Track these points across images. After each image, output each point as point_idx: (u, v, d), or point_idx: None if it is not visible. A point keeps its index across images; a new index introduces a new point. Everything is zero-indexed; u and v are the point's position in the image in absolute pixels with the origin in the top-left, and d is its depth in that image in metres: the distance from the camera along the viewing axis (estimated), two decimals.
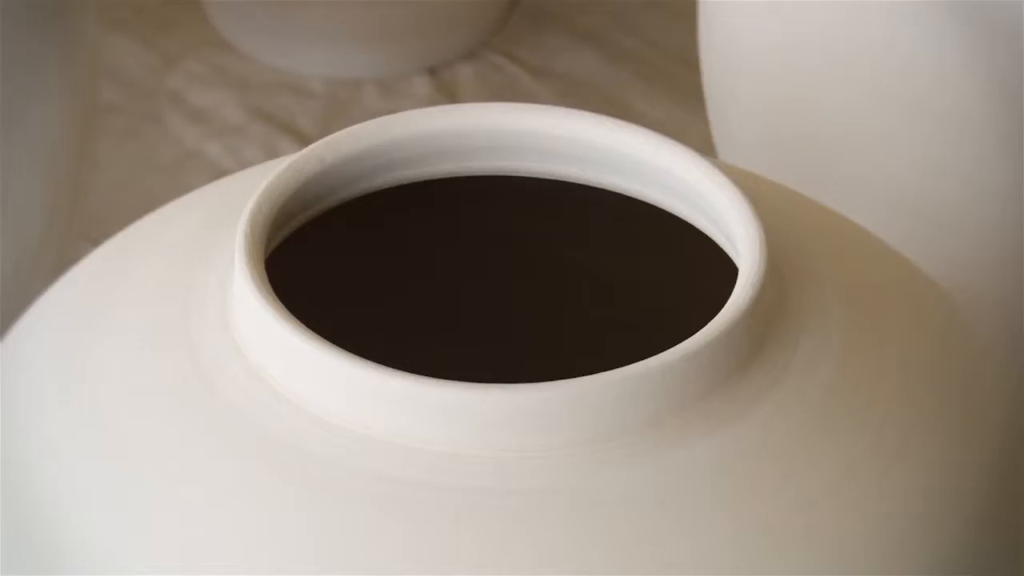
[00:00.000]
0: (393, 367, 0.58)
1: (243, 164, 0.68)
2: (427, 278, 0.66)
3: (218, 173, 0.70)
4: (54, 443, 0.63)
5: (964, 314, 0.66)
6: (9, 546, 0.61)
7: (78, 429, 0.62)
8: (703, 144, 0.63)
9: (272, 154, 0.65)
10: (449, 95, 0.95)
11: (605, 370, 0.58)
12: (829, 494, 0.60)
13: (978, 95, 0.76)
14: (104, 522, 0.60)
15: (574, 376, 0.58)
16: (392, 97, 0.95)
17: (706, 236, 0.64)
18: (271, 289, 0.59)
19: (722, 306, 0.59)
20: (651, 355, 0.58)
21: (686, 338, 0.59)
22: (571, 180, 0.65)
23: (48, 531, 0.60)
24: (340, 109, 0.93)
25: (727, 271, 0.62)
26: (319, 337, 0.58)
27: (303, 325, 0.58)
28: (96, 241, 0.64)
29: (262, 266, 0.60)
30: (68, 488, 0.62)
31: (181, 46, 0.97)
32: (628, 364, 0.58)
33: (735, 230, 0.62)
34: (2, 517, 0.62)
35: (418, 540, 0.58)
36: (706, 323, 0.59)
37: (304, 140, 0.67)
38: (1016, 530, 0.63)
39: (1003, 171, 0.75)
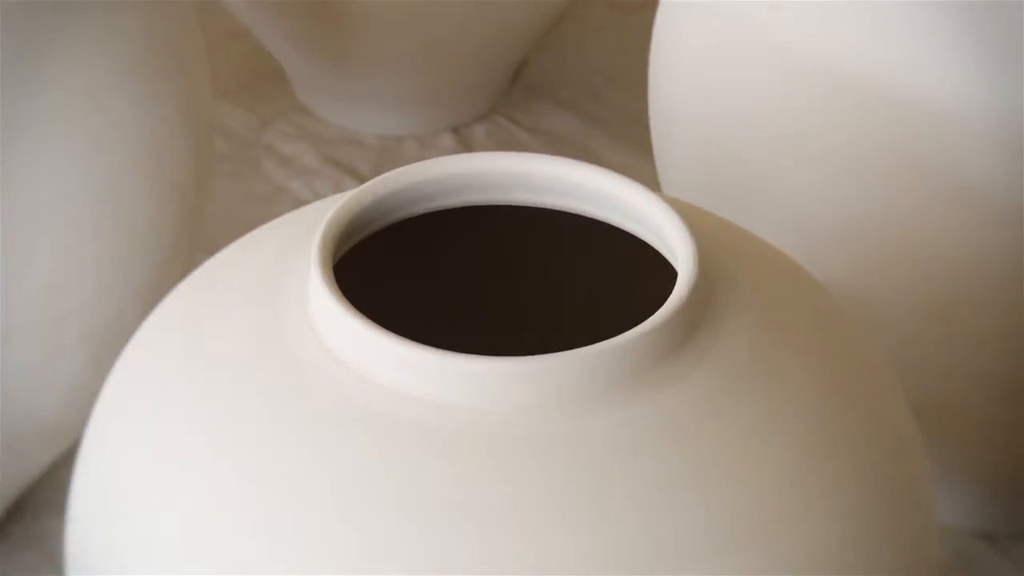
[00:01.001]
0: (427, 345, 0.58)
1: (317, 197, 0.67)
2: (451, 278, 0.67)
3: (299, 203, 0.69)
4: (181, 392, 0.63)
5: (848, 314, 0.66)
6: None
7: (200, 385, 0.62)
8: (651, 182, 0.63)
9: (339, 189, 0.64)
10: (467, 147, 0.95)
11: (580, 348, 0.58)
12: (742, 433, 0.60)
13: (871, 156, 0.74)
14: (226, 443, 0.60)
15: (559, 352, 0.58)
16: (426, 149, 0.95)
17: (654, 249, 0.64)
18: (337, 287, 0.60)
19: (665, 301, 0.59)
20: (615, 336, 0.58)
21: (639, 324, 0.59)
22: (554, 208, 0.65)
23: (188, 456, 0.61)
24: (388, 157, 0.93)
25: (669, 276, 0.61)
26: (372, 322, 0.59)
27: (361, 313, 0.59)
28: (210, 252, 0.66)
29: (331, 270, 0.60)
30: (189, 423, 0.62)
31: (273, 111, 0.97)
32: (598, 343, 0.58)
33: (675, 245, 0.62)
34: (153, 450, 0.61)
35: (450, 466, 0.58)
36: (654, 313, 0.59)
37: (362, 179, 0.67)
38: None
39: (882, 205, 0.73)
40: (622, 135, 0.88)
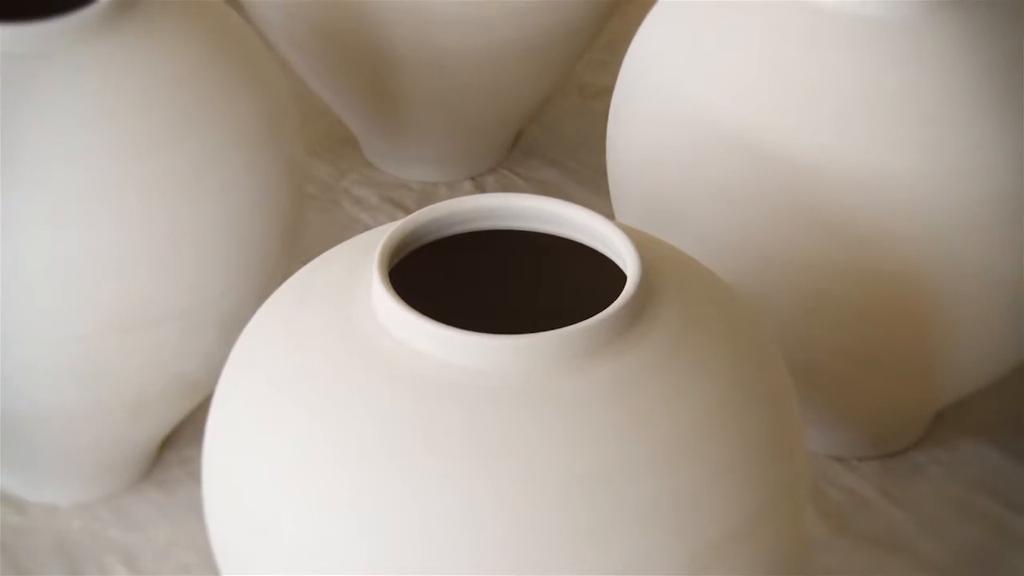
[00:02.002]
0: (452, 327, 0.59)
1: (378, 224, 0.67)
2: (468, 279, 0.66)
3: (366, 229, 0.69)
4: (281, 359, 0.63)
5: (746, 306, 0.65)
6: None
7: (295, 354, 0.62)
8: (608, 214, 0.63)
9: (393, 219, 0.65)
10: (481, 190, 0.95)
11: (557, 329, 0.58)
12: (670, 389, 0.60)
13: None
14: (312, 392, 0.61)
15: (542, 332, 0.58)
16: (452, 191, 0.95)
17: (612, 261, 0.63)
18: (391, 285, 0.60)
19: (617, 298, 0.60)
20: (581, 322, 0.59)
21: (599, 314, 0.59)
22: (542, 232, 0.65)
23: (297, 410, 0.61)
24: (426, 197, 0.93)
25: (621, 280, 0.61)
26: (415, 310, 0.59)
27: (407, 304, 0.59)
28: (304, 262, 0.67)
29: (387, 274, 0.61)
30: (287, 379, 0.62)
31: (348, 165, 0.96)
32: (569, 326, 0.59)
33: (625, 257, 0.62)
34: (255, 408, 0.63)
35: (466, 407, 0.58)
36: (609, 306, 0.59)
37: (408, 212, 0.67)
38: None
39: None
40: (588, 182, 0.88)
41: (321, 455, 0.59)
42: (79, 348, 0.72)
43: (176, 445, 0.82)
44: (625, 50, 0.80)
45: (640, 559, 0.57)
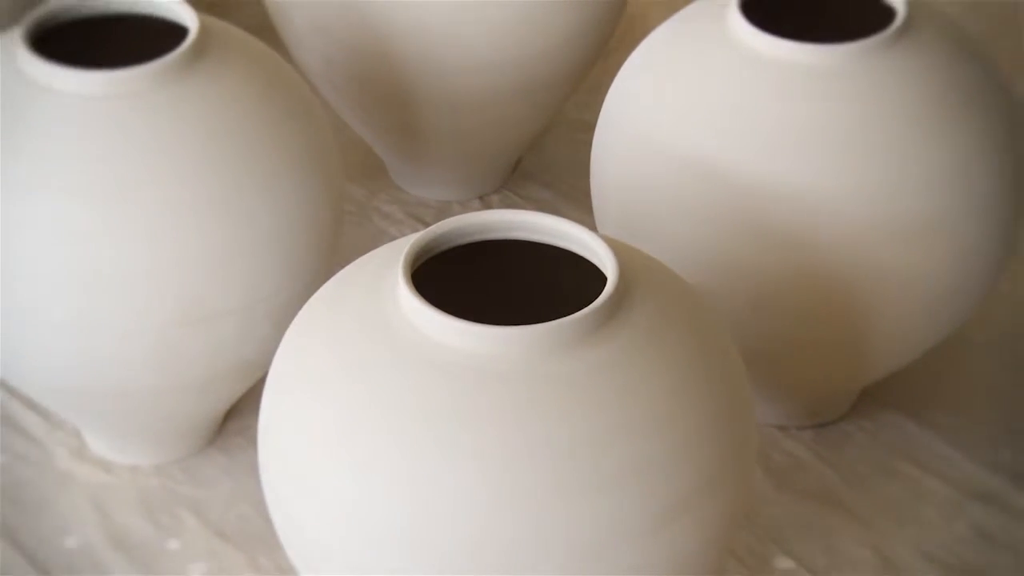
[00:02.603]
0: (464, 319, 0.58)
1: (402, 235, 0.67)
2: (477, 280, 0.65)
3: (392, 239, 0.69)
4: (323, 346, 0.63)
5: (706, 305, 0.65)
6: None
7: (334, 341, 0.62)
8: (591, 227, 0.63)
9: (415, 231, 0.65)
10: (487, 207, 0.94)
11: (549, 321, 0.58)
12: (642, 372, 0.59)
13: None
14: (346, 373, 0.61)
15: (537, 324, 0.58)
16: (464, 208, 0.94)
17: (594, 266, 0.63)
18: (413, 285, 0.60)
19: (598, 297, 0.59)
20: (569, 316, 0.58)
21: (583, 309, 0.59)
22: (536, 241, 0.65)
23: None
24: (442, 213, 0.92)
25: (602, 282, 0.61)
26: (433, 306, 0.59)
27: (426, 301, 0.59)
28: (343, 265, 0.66)
29: (410, 276, 0.61)
30: (328, 362, 0.62)
31: (378, 187, 0.96)
32: (559, 319, 0.58)
33: (605, 263, 0.61)
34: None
35: (474, 385, 0.58)
36: (592, 303, 0.59)
37: (427, 226, 0.67)
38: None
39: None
40: (575, 200, 0.88)
41: (355, 424, 0.59)
42: (157, 338, 0.72)
43: (237, 416, 0.82)
44: (605, 93, 0.80)
45: (619, 510, 0.58)
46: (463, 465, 0.57)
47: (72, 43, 0.73)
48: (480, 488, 0.57)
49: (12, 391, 0.82)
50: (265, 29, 0.86)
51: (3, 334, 0.72)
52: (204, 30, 0.72)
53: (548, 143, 0.95)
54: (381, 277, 0.62)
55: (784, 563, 0.75)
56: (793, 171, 0.72)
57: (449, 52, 0.84)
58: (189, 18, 0.73)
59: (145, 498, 0.78)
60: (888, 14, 0.75)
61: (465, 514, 0.57)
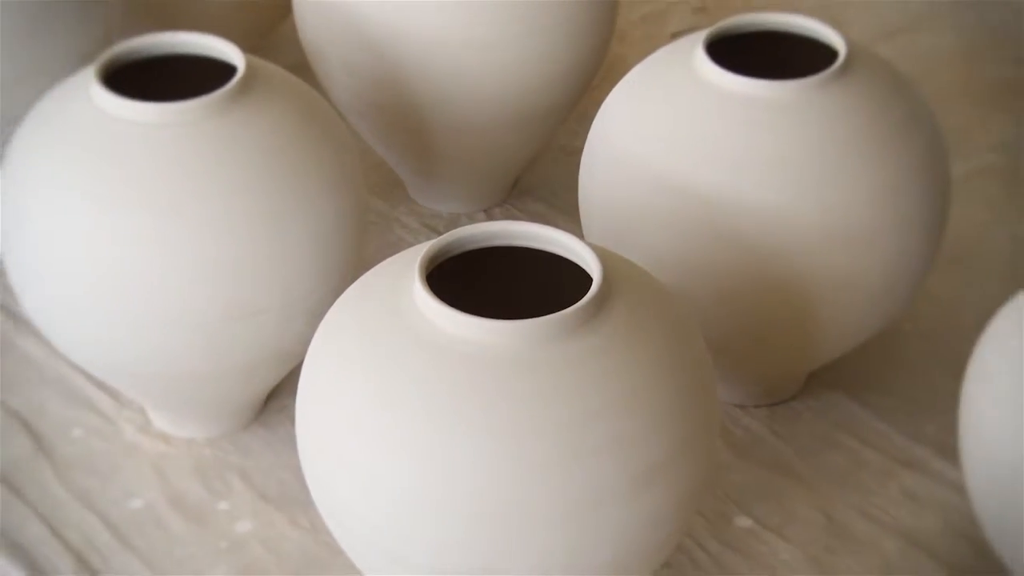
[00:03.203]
0: (470, 314, 0.58)
1: (418, 242, 0.67)
2: (483, 281, 0.64)
3: (410, 245, 0.69)
4: (350, 338, 0.62)
5: (677, 301, 0.65)
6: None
7: (360, 333, 0.62)
8: (579, 235, 0.63)
9: (429, 239, 0.65)
10: (491, 218, 0.93)
11: (545, 315, 0.58)
12: (624, 359, 0.59)
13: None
14: (368, 360, 0.60)
15: (533, 317, 0.58)
16: (471, 219, 0.93)
17: (583, 268, 0.62)
18: (427, 285, 0.60)
19: (586, 294, 0.59)
20: (561, 311, 0.58)
21: (572, 306, 0.59)
22: (533, 247, 0.64)
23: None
24: (452, 223, 0.92)
25: (589, 282, 0.61)
26: (444, 302, 0.59)
27: (438, 298, 0.59)
28: (368, 268, 0.65)
29: (425, 277, 0.60)
30: (353, 350, 0.62)
31: (397, 201, 0.95)
32: (553, 313, 0.58)
33: (591, 266, 0.61)
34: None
35: (480, 370, 0.58)
36: (580, 300, 0.59)
37: (440, 234, 0.67)
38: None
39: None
40: (566, 213, 0.87)
41: (378, 403, 0.59)
42: (208, 331, 0.72)
43: (277, 397, 0.81)
44: (591, 123, 0.80)
45: (604, 475, 0.58)
46: (471, 436, 0.57)
47: (137, 79, 0.73)
48: (486, 456, 0.57)
49: (88, 376, 0.82)
50: (302, 67, 0.86)
51: (83, 328, 0.72)
52: (250, 68, 0.73)
53: (542, 164, 0.95)
54: (400, 278, 0.62)
55: (743, 522, 0.75)
56: (751, 189, 0.72)
57: (458, 87, 0.84)
58: (237, 58, 0.74)
59: (199, 466, 0.78)
60: (831, 55, 0.75)
61: (473, 477, 0.57)
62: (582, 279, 0.62)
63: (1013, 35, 1.00)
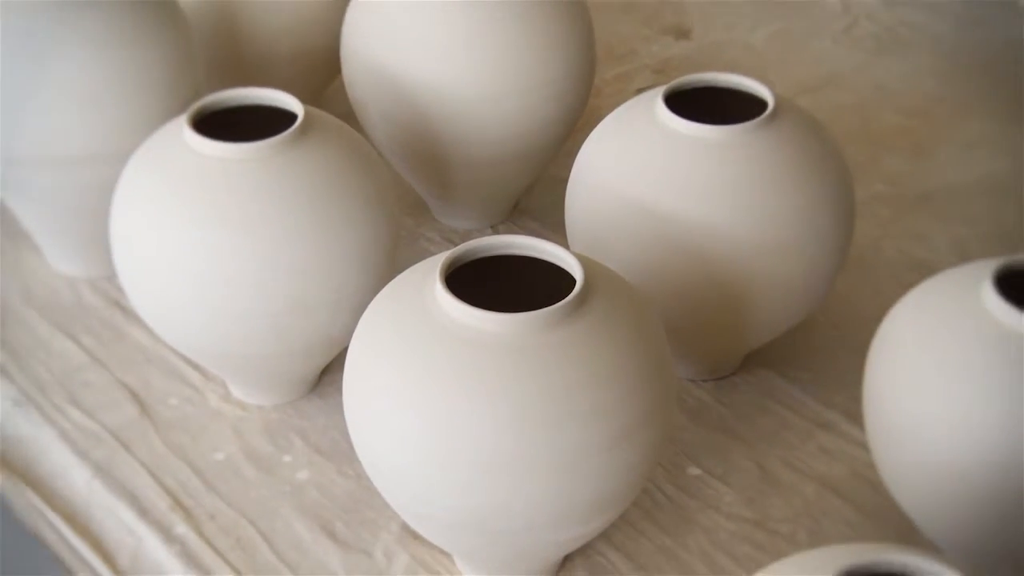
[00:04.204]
0: (479, 308, 0.57)
1: (440, 251, 0.66)
2: (489, 282, 0.63)
3: (432, 254, 0.68)
4: (384, 327, 0.61)
5: (644, 298, 0.64)
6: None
7: (391, 324, 0.61)
8: (566, 246, 0.62)
9: (447, 249, 0.64)
10: (496, 232, 0.93)
11: (538, 309, 0.57)
12: (600, 344, 0.58)
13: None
14: (398, 345, 0.59)
15: (529, 311, 0.57)
16: (480, 233, 0.92)
17: (568, 272, 0.61)
18: (446, 285, 0.59)
19: (570, 293, 0.58)
20: (551, 306, 0.57)
21: (559, 302, 0.58)
22: (529, 255, 0.63)
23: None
24: (466, 237, 0.90)
25: (573, 283, 0.60)
26: (458, 299, 0.58)
27: (454, 295, 0.58)
28: (399, 272, 0.63)
29: (444, 279, 0.60)
30: (387, 335, 0.61)
31: (423, 219, 0.94)
32: (545, 308, 0.57)
33: (575, 270, 0.60)
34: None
35: (485, 353, 0.57)
36: (566, 297, 0.58)
37: (455, 245, 0.66)
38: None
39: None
40: (555, 228, 0.86)
41: (406, 378, 0.59)
42: (273, 322, 0.72)
43: (329, 372, 0.80)
44: (575, 158, 0.79)
45: (586, 435, 0.58)
46: (479, 404, 0.57)
47: (219, 124, 0.73)
48: (492, 419, 0.57)
49: (182, 357, 0.82)
50: (349, 116, 0.86)
51: (179, 319, 0.72)
52: (308, 116, 0.72)
53: (536, 191, 0.94)
54: (425, 280, 0.62)
55: (694, 471, 0.75)
56: (700, 210, 0.71)
57: (470, 132, 0.83)
58: (297, 108, 0.73)
59: (267, 427, 0.78)
60: (762, 105, 0.75)
61: (481, 436, 0.57)
62: (568, 280, 0.62)
63: (898, 93, 1.00)
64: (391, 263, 0.75)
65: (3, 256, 0.88)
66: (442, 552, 0.66)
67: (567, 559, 0.65)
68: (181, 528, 0.70)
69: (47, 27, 0.73)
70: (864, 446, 0.68)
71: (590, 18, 0.85)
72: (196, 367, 0.81)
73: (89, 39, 0.75)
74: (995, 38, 1.01)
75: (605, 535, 0.66)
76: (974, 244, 0.87)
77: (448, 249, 0.62)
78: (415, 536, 0.66)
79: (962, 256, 0.84)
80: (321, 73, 0.96)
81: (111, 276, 0.83)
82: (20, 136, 0.75)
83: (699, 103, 0.75)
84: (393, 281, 0.64)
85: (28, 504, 0.68)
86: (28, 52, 0.73)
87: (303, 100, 0.74)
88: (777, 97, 0.74)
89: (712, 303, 0.74)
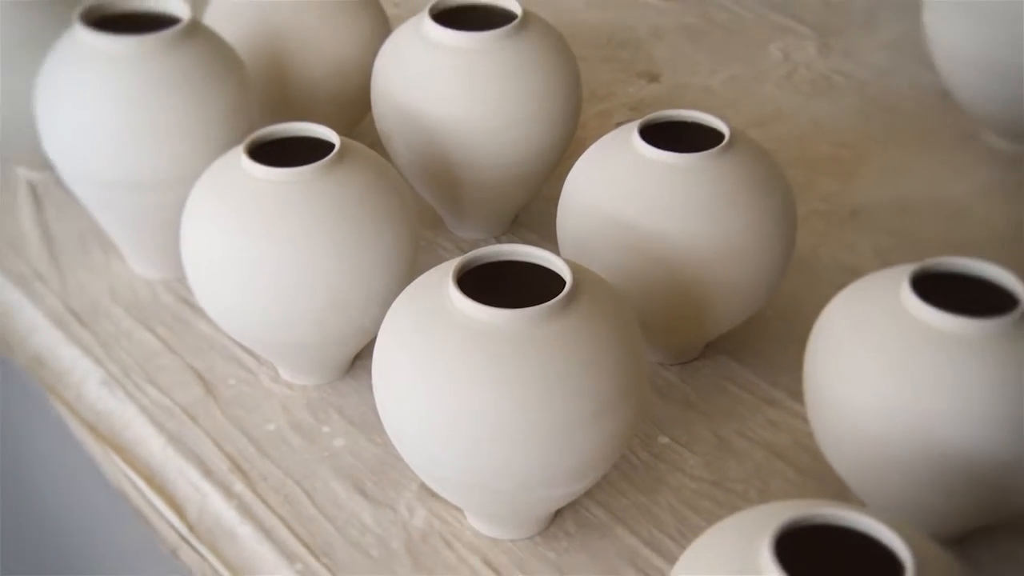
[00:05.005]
0: (484, 304, 0.56)
1: (453, 257, 0.64)
2: (494, 283, 0.62)
3: (445, 260, 0.66)
4: (405, 319, 0.60)
5: (623, 296, 0.62)
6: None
7: (412, 319, 0.61)
8: (557, 253, 0.61)
9: (458, 256, 0.63)
10: (498, 242, 0.92)
11: (534, 305, 0.57)
12: (586, 335, 0.58)
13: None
14: (416, 335, 0.59)
15: (529, 307, 0.56)
16: (487, 242, 0.91)
17: (559, 275, 0.61)
18: (457, 285, 0.59)
19: (561, 291, 0.58)
20: (545, 303, 0.56)
21: (551, 300, 0.58)
22: (526, 261, 0.61)
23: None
24: (474, 245, 0.90)
25: (563, 284, 0.58)
26: (470, 298, 0.58)
27: (464, 294, 0.57)
28: (417, 275, 0.62)
29: (456, 281, 0.57)
30: (408, 328, 0.60)
31: (438, 231, 0.92)
32: (539, 304, 0.56)
33: (565, 273, 0.60)
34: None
35: (488, 341, 0.57)
36: (557, 296, 0.57)
37: (465, 252, 0.66)
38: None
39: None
40: (548, 238, 0.85)
41: (423, 363, 0.59)
42: (315, 317, 0.72)
43: (360, 358, 0.80)
44: (564, 180, 0.79)
45: (573, 408, 0.57)
46: (483, 384, 0.57)
47: (270, 153, 0.72)
48: (493, 397, 0.57)
49: (239, 345, 0.81)
50: (377, 145, 0.85)
51: (237, 313, 0.71)
52: (343, 145, 0.73)
53: (533, 207, 0.93)
54: (440, 281, 0.61)
55: (663, 440, 0.74)
56: (668, 224, 0.71)
57: (478, 158, 0.82)
58: (335, 138, 0.73)
59: (310, 403, 0.78)
60: (720, 136, 0.75)
61: (484, 411, 0.57)
62: (559, 282, 0.61)
63: (830, 128, 0.99)
64: (412, 267, 0.75)
65: (95, 263, 0.87)
66: (455, 507, 0.65)
67: (558, 513, 0.65)
68: (239, 487, 0.69)
69: (135, 74, 0.75)
70: (804, 419, 0.67)
71: (577, 66, 0.86)
72: (251, 353, 0.81)
73: (168, 84, 0.76)
74: (905, 84, 1.03)
75: (590, 493, 0.66)
76: (893, 252, 0.87)
77: (459, 256, 0.61)
78: (432, 494, 0.66)
79: (883, 262, 0.83)
80: (354, 110, 0.96)
81: (181, 278, 0.83)
82: (111, 165, 0.76)
83: (667, 135, 0.75)
84: (414, 282, 0.63)
85: (114, 467, 0.69)
86: (120, 96, 0.75)
87: (340, 132, 0.74)
88: (732, 130, 0.74)
89: (678, 300, 0.73)
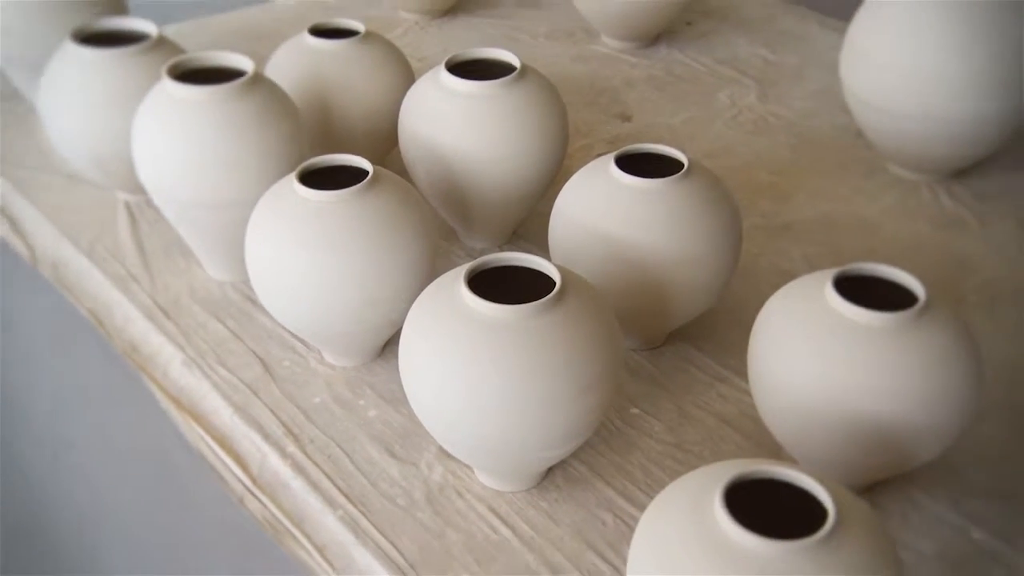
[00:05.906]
0: (489, 301, 0.55)
1: (464, 263, 0.63)
2: (497, 284, 0.61)
3: (459, 265, 0.66)
4: (425, 315, 0.59)
5: (604, 295, 0.61)
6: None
7: (429, 316, 0.62)
8: (549, 260, 0.60)
9: (468, 261, 0.62)
10: (501, 251, 0.90)
11: (531, 303, 0.56)
12: (573, 329, 0.58)
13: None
14: (432, 330, 0.59)
15: (526, 303, 0.56)
16: (491, 250, 0.89)
17: (550, 278, 0.58)
18: (468, 287, 0.55)
19: (552, 291, 0.55)
20: (537, 300, 0.55)
21: (543, 298, 0.55)
22: (525, 266, 0.60)
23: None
24: (482, 253, 0.90)
25: (553, 284, 0.58)
26: (478, 296, 0.55)
27: (473, 293, 0.55)
28: (434, 277, 0.61)
29: (466, 282, 0.56)
30: (429, 322, 0.59)
31: (453, 243, 0.92)
32: (534, 302, 0.55)
33: (555, 276, 0.58)
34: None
35: (491, 332, 0.53)
36: (548, 294, 0.56)
37: (474, 258, 0.65)
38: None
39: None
40: (542, 248, 0.85)
41: (439, 348, 0.59)
42: (352, 311, 0.71)
43: (390, 344, 0.79)
44: (555, 199, 0.78)
45: (562, 387, 0.57)
46: (487, 367, 0.56)
47: (316, 179, 0.72)
48: (496, 377, 0.56)
49: (292, 334, 0.81)
50: (403, 172, 0.85)
51: (290, 309, 0.71)
52: (376, 172, 0.73)
53: (529, 222, 0.92)
54: (454, 283, 0.60)
55: (634, 411, 0.75)
56: (639, 236, 0.71)
57: (484, 182, 0.82)
58: (368, 167, 0.73)
59: (348, 380, 0.77)
60: (680, 165, 0.75)
61: (489, 389, 0.56)
62: (550, 283, 0.60)
63: (767, 159, 0.99)
64: (431, 271, 0.74)
65: (178, 267, 0.87)
66: (465, 465, 0.65)
67: (549, 470, 0.65)
68: (292, 448, 0.71)
69: (209, 117, 0.75)
70: (748, 393, 0.68)
71: (565, 109, 0.86)
72: (301, 340, 0.81)
73: (235, 125, 0.76)
74: (827, 125, 1.04)
75: (575, 454, 0.66)
76: (820, 259, 0.88)
77: (469, 262, 0.60)
78: (447, 454, 0.66)
79: (812, 267, 0.83)
80: (385, 144, 0.96)
81: (245, 280, 0.84)
82: (191, 189, 0.77)
83: (638, 164, 0.75)
84: (432, 283, 0.62)
85: (194, 432, 0.71)
86: (198, 135, 0.76)
87: (373, 162, 0.74)
88: (690, 160, 0.74)
89: (647, 298, 0.73)
